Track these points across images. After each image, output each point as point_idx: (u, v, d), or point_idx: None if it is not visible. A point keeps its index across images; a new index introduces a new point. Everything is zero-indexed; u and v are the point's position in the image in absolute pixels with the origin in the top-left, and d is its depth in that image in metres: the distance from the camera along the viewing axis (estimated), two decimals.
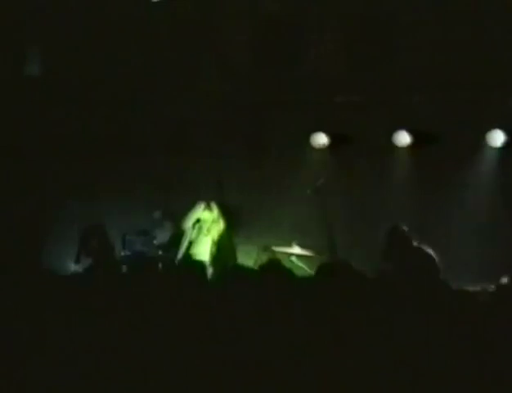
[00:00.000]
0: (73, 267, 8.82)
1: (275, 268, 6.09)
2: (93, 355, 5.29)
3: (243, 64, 11.59)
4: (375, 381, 5.22)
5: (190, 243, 10.42)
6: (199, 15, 11.51)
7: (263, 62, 11.42)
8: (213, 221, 10.45)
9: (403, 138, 11.19)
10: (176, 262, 10.15)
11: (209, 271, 9.39)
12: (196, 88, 11.62)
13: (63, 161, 11.71)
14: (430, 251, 8.72)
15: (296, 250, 10.53)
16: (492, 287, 7.90)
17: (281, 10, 11.35)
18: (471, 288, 7.63)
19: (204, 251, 10.35)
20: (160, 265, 7.20)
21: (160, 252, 10.93)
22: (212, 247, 10.38)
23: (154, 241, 11.13)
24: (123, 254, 10.84)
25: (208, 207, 10.48)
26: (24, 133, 11.70)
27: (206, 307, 5.56)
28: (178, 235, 10.77)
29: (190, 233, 10.41)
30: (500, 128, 10.92)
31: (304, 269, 10.16)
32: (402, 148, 11.24)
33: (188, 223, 10.50)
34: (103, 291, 5.78)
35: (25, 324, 5.47)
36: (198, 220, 10.47)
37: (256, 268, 6.86)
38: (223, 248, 10.38)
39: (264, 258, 9.99)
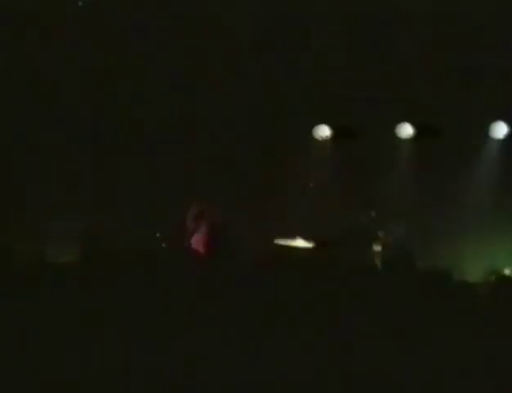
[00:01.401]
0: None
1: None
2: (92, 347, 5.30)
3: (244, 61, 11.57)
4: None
5: (191, 234, 10.45)
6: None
7: (266, 56, 11.41)
8: (211, 213, 10.46)
9: (406, 131, 11.23)
10: (178, 253, 10.16)
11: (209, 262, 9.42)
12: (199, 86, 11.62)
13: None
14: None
15: (299, 242, 10.59)
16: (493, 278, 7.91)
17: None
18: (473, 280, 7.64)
19: (202, 242, 10.38)
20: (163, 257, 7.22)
21: (163, 245, 10.96)
22: (210, 238, 10.39)
23: (157, 234, 11.16)
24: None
25: (207, 200, 10.49)
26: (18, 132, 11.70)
27: (207, 296, 5.57)
28: (180, 227, 10.79)
29: (190, 225, 10.44)
30: (503, 119, 10.94)
31: None
32: (405, 140, 11.29)
33: (189, 215, 10.53)
34: (105, 282, 5.79)
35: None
36: (199, 212, 10.48)
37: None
38: (221, 239, 10.38)
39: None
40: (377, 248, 10.42)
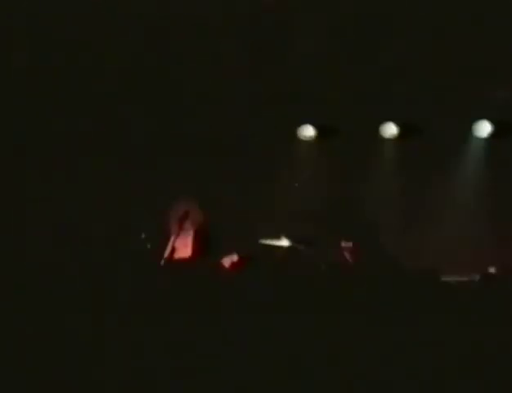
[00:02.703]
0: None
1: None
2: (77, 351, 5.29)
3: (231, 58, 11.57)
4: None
5: (176, 237, 10.42)
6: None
7: (251, 56, 11.43)
8: (196, 214, 10.45)
9: (390, 130, 11.33)
10: (163, 256, 10.17)
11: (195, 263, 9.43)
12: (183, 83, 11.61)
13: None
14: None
15: (284, 242, 10.59)
16: (478, 277, 7.94)
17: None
18: (458, 278, 7.66)
19: (188, 245, 10.36)
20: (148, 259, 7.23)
21: (149, 246, 10.93)
22: (194, 240, 10.37)
23: (143, 235, 11.14)
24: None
25: (191, 201, 10.47)
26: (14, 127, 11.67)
27: (193, 298, 5.57)
28: (166, 229, 10.79)
29: (175, 227, 10.41)
30: (487, 118, 11.04)
31: None
32: (389, 140, 11.38)
33: (174, 216, 10.51)
34: (98, 286, 5.79)
35: None
36: (184, 214, 10.47)
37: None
38: (206, 241, 10.38)
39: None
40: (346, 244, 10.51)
